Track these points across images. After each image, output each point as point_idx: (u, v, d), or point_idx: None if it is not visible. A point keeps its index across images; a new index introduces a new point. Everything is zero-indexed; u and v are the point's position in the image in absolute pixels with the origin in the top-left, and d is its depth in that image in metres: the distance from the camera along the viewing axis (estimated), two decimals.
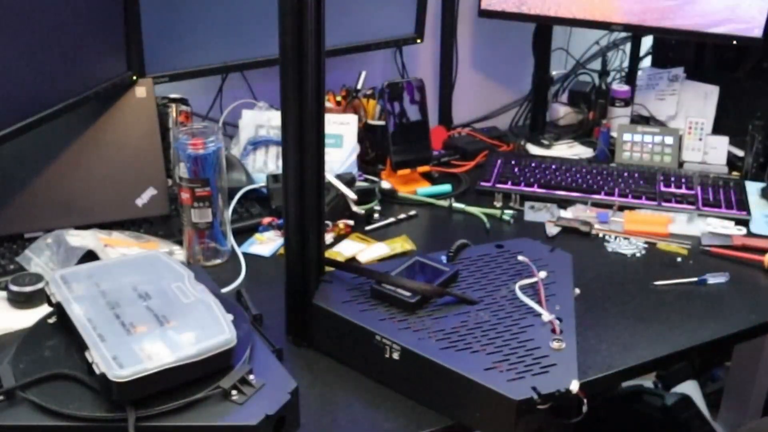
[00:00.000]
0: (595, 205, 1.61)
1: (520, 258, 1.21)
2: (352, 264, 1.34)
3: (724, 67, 1.96)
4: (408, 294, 1.10)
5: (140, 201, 1.43)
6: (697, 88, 1.93)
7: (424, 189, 1.67)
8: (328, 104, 1.79)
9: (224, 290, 1.24)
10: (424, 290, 1.11)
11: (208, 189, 1.30)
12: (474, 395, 0.96)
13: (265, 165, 1.62)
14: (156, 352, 0.91)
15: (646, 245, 1.47)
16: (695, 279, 1.34)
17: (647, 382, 2.04)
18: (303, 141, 1.06)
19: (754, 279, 1.37)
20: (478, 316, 1.09)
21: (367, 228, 1.50)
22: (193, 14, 1.56)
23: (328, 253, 1.33)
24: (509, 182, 1.68)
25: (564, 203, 1.62)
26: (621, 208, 1.59)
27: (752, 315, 1.26)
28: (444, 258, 1.24)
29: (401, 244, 1.43)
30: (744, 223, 1.55)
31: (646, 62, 2.13)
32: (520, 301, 1.12)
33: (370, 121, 1.77)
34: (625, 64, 2.14)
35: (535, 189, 1.66)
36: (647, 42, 2.12)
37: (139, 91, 1.46)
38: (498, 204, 1.61)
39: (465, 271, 1.21)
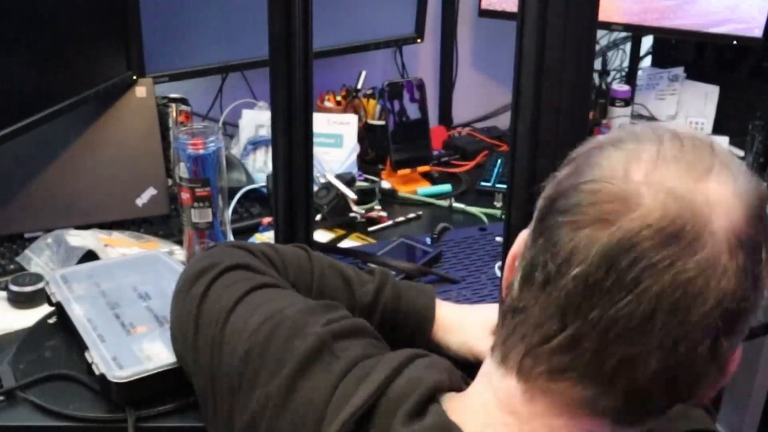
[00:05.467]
0: None
1: (499, 239, 1.24)
2: (338, 246, 1.37)
3: (724, 67, 1.96)
4: (392, 273, 1.13)
5: (140, 201, 1.43)
6: (697, 88, 1.93)
7: (424, 189, 1.67)
8: (328, 104, 1.79)
9: None
10: (408, 269, 1.17)
11: (208, 189, 1.30)
12: None
13: (265, 165, 1.62)
14: (156, 352, 0.91)
15: None
16: None
17: None
18: (292, 121, 1.10)
19: None
20: (460, 294, 1.14)
21: (370, 229, 1.50)
22: (193, 14, 1.56)
23: None
24: None
25: None
26: None
27: None
28: (428, 240, 1.30)
29: None
30: None
31: (646, 62, 2.13)
32: (500, 280, 1.15)
33: (370, 121, 1.77)
34: (625, 63, 2.14)
35: None
36: (647, 42, 2.12)
37: (139, 91, 1.46)
38: (498, 204, 1.61)
39: (448, 252, 1.27)
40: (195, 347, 0.78)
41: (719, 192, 0.52)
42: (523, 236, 0.61)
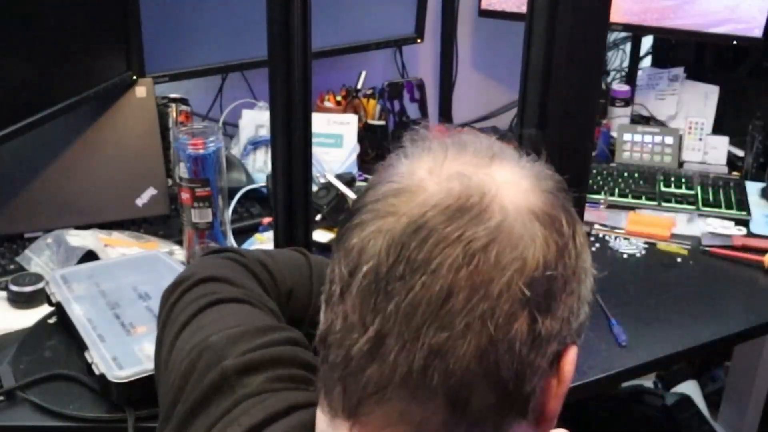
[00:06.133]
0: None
1: None
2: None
3: (724, 67, 1.96)
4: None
5: (140, 201, 1.43)
6: (697, 88, 1.93)
7: None
8: (328, 104, 1.79)
9: None
10: None
11: (208, 189, 1.30)
12: None
13: (265, 165, 1.62)
14: None
15: (646, 245, 1.46)
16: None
17: (647, 382, 2.04)
18: (291, 121, 1.10)
19: (754, 279, 1.37)
20: None
21: None
22: (193, 14, 1.56)
23: None
24: None
25: None
26: (610, 206, 1.60)
27: (752, 315, 1.26)
28: None
29: None
30: (744, 223, 1.54)
31: (646, 62, 2.13)
32: None
33: (370, 121, 1.77)
34: (625, 64, 2.14)
35: None
36: (647, 42, 2.12)
37: (139, 91, 1.46)
38: None
39: None
40: (158, 361, 0.76)
41: (504, 173, 0.51)
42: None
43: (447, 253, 0.47)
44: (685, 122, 1.83)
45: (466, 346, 0.47)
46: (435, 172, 0.50)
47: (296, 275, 0.88)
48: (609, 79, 2.03)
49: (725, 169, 1.78)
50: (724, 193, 1.63)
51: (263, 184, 1.55)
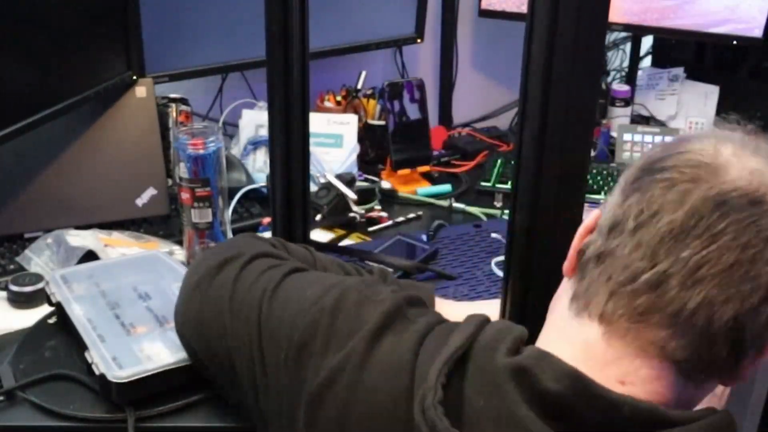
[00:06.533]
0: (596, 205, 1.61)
1: (494, 235, 1.31)
2: (335, 245, 1.37)
3: (724, 67, 1.96)
4: (390, 270, 1.14)
5: (140, 201, 1.43)
6: (697, 88, 1.93)
7: (424, 189, 1.67)
8: (328, 104, 1.79)
9: None
10: (405, 266, 1.18)
11: (208, 189, 1.30)
12: None
13: (265, 165, 1.62)
14: (155, 352, 0.91)
15: None
16: None
17: None
18: (289, 120, 1.11)
19: None
20: (457, 290, 1.17)
21: (370, 229, 1.50)
22: (193, 14, 1.56)
23: None
24: (509, 182, 1.68)
25: None
26: None
27: None
28: (425, 237, 1.32)
29: None
30: None
31: (646, 62, 2.13)
32: (496, 276, 1.20)
33: (370, 121, 1.77)
34: (625, 64, 2.14)
35: None
36: (647, 42, 2.12)
37: (139, 91, 1.46)
38: (498, 204, 1.61)
39: (445, 249, 1.30)
40: (231, 330, 0.79)
41: None
42: (596, 214, 0.68)
43: (740, 233, 0.58)
44: (685, 122, 1.83)
45: (731, 308, 0.58)
46: (737, 156, 0.61)
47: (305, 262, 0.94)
48: (609, 79, 2.03)
49: None
50: None
51: (263, 184, 1.55)
